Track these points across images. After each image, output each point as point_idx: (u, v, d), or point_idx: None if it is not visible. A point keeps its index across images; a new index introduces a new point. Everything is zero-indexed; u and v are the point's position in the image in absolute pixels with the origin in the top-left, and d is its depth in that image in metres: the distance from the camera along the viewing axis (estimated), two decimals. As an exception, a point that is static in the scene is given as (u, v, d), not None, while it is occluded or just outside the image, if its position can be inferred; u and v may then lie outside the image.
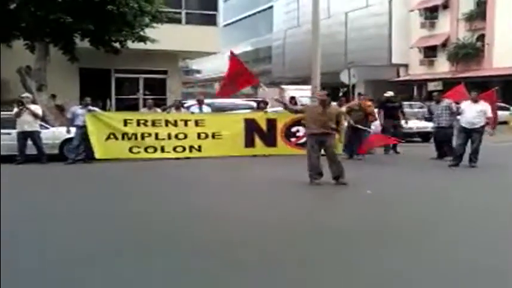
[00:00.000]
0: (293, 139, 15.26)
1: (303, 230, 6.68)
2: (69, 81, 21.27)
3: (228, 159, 14.20)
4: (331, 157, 9.98)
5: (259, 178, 11.32)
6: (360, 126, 14.22)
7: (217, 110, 17.92)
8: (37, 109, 14.12)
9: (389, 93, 16.63)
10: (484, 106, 12.66)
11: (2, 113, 14.00)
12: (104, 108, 16.30)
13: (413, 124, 20.74)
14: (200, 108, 16.22)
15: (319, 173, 10.07)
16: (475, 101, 12.70)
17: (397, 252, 5.71)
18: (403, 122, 16.36)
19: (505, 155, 15.45)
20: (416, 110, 32.93)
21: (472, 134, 12.55)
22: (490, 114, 12.71)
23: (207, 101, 17.80)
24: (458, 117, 13.08)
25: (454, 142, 13.55)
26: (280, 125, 15.21)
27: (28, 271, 5.06)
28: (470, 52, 39.54)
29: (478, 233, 6.58)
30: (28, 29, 17.62)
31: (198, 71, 72.83)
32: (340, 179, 9.97)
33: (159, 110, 16.39)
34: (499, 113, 28.86)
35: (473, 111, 12.56)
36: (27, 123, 13.69)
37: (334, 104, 10.68)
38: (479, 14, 39.65)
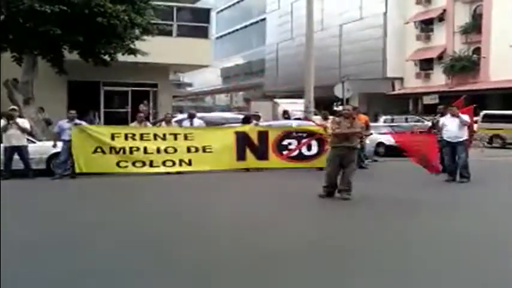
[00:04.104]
0: (285, 152, 14.96)
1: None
2: (57, 94, 20.93)
3: (221, 173, 13.95)
4: (347, 171, 10.02)
5: (255, 193, 11.21)
6: None
7: (208, 124, 17.60)
8: (25, 123, 13.77)
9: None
10: (463, 117, 12.59)
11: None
12: (91, 122, 15.97)
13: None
14: (191, 123, 15.90)
15: (333, 185, 10.09)
16: (454, 115, 12.60)
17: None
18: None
19: (496, 170, 15.37)
20: (412, 123, 32.72)
21: (457, 147, 12.47)
22: (468, 120, 12.70)
23: (198, 114, 17.51)
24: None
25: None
26: (271, 138, 14.92)
27: None
28: (466, 65, 39.34)
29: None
30: (16, 41, 17.29)
31: (190, 84, 72.80)
32: (343, 194, 9.94)
33: (149, 124, 16.08)
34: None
35: (455, 125, 12.52)
36: (14, 137, 13.30)
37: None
38: (475, 26, 39.54)
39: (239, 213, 8.94)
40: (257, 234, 7.17)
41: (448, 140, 12.63)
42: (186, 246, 6.50)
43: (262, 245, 6.50)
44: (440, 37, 42.54)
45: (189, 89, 73.59)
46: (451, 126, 12.57)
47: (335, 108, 17.74)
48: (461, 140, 12.48)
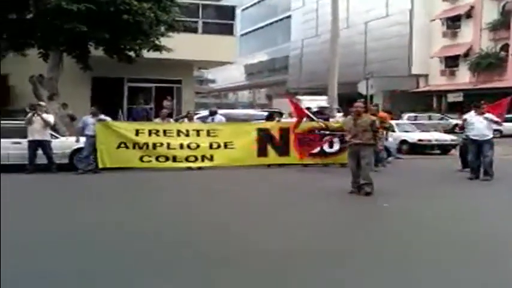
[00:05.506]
0: (306, 148, 14.95)
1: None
2: (81, 90, 21.20)
3: (240, 170, 14.02)
4: (361, 166, 10.09)
5: (275, 188, 11.12)
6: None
7: (232, 120, 17.68)
8: (49, 117, 13.96)
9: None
10: (489, 116, 12.43)
11: (11, 122, 14.00)
12: (115, 118, 16.16)
13: (432, 136, 20.39)
14: (213, 119, 16.03)
15: (358, 179, 10.20)
16: (482, 113, 12.41)
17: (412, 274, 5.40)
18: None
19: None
20: (436, 121, 32.49)
21: (484, 145, 12.26)
22: (495, 117, 12.51)
23: (221, 111, 17.61)
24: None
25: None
26: (293, 134, 14.93)
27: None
28: (493, 62, 38.83)
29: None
30: (43, 38, 17.53)
31: (213, 81, 72.99)
32: (365, 188, 9.98)
33: (172, 120, 16.23)
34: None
35: (482, 122, 12.32)
36: (38, 131, 13.52)
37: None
38: (503, 23, 39.01)
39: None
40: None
41: (475, 138, 12.40)
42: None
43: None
44: (467, 34, 42.05)
45: (211, 85, 73.83)
46: (478, 124, 12.35)
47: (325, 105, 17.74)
48: (488, 138, 12.29)
